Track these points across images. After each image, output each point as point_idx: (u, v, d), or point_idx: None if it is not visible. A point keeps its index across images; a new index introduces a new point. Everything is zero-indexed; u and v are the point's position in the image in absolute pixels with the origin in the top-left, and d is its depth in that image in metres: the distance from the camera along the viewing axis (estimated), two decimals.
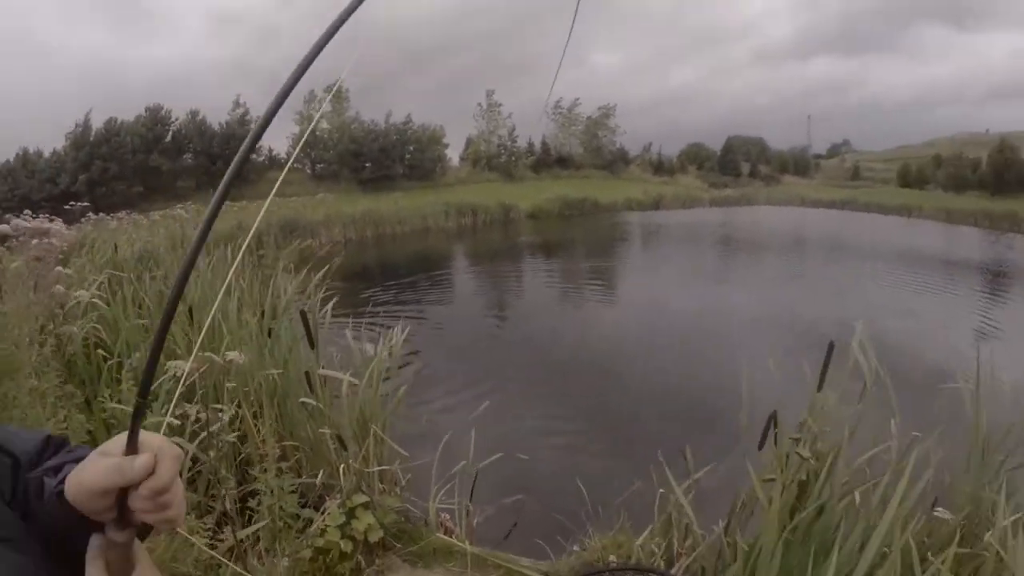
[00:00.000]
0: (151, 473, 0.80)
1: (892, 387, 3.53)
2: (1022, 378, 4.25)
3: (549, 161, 63.84)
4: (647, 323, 12.65)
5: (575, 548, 3.97)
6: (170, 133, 45.38)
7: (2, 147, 48.25)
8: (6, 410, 3.87)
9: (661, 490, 3.64)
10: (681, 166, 78.42)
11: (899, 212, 46.30)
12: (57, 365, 5.13)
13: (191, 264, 0.83)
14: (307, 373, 4.25)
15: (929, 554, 2.74)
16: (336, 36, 0.84)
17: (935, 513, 3.03)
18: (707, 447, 3.99)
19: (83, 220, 14.90)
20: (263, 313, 5.37)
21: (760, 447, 3.23)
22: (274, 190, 0.98)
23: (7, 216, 7.30)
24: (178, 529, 3.07)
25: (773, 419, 3.20)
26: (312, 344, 4.26)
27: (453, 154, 61.57)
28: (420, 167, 51.84)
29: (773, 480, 3.01)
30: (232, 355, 3.77)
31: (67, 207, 14.95)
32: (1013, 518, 2.82)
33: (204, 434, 3.67)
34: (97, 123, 42.02)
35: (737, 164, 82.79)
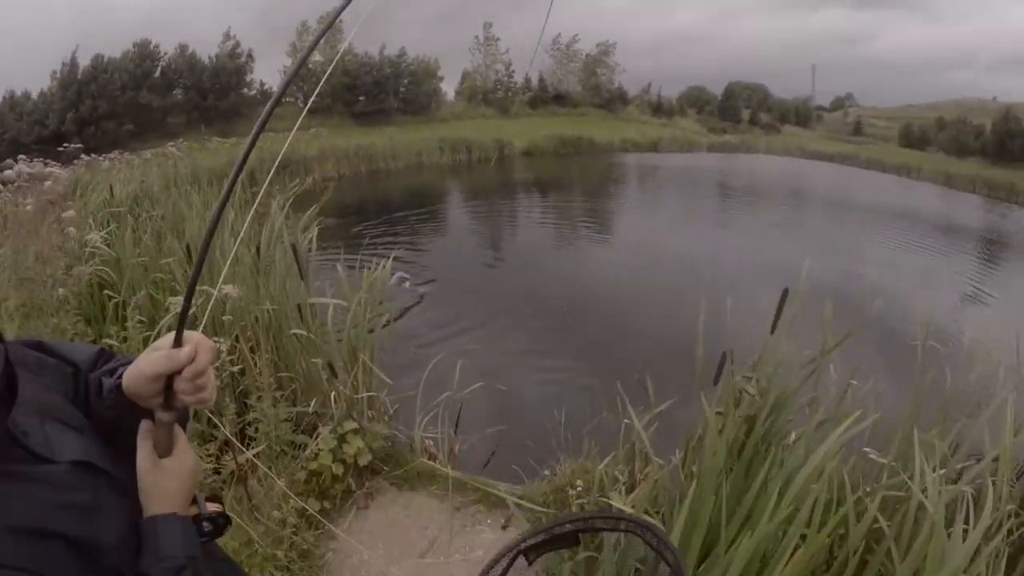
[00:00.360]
0: (192, 360, 1.09)
1: (867, 341, 3.81)
2: (998, 339, 4.47)
3: (546, 98, 62.98)
4: (638, 265, 12.93)
5: (546, 473, 4.31)
6: (159, 69, 44.22)
7: None
8: None
9: (626, 421, 3.93)
10: (680, 109, 77.44)
11: (898, 171, 46.14)
12: (75, 304, 5.40)
13: (223, 205, 1.18)
14: (299, 305, 4.50)
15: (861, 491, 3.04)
16: None
17: (865, 451, 3.31)
18: (679, 384, 4.22)
19: (76, 162, 14.95)
20: (258, 249, 5.56)
21: (715, 382, 3.51)
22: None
23: (7, 161, 7.49)
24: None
25: (727, 358, 3.47)
26: (302, 276, 4.49)
27: (448, 88, 60.88)
28: (415, 101, 51.10)
29: (723, 414, 3.32)
30: (227, 289, 4.02)
31: (60, 149, 15.02)
32: (941, 467, 3.11)
33: None
34: (84, 61, 41.02)
35: (738, 110, 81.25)
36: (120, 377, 1.13)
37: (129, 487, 1.11)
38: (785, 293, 3.44)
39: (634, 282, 11.55)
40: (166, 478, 1.13)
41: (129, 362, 1.16)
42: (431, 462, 4.32)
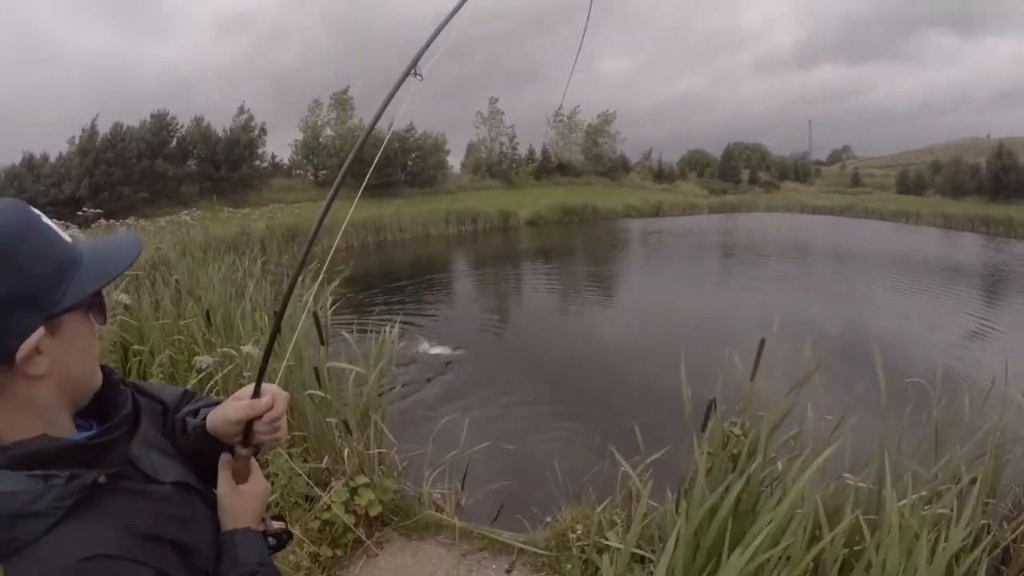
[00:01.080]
0: (271, 408, 1.38)
1: (860, 378, 4.04)
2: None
3: (550, 168, 64.27)
4: (637, 325, 13.13)
5: (548, 520, 4.50)
6: (175, 139, 45.68)
7: (8, 150, 48.72)
8: None
9: (623, 468, 4.13)
10: (681, 173, 78.94)
11: (897, 218, 46.71)
12: (102, 360, 5.63)
13: (297, 275, 1.53)
14: (315, 368, 4.76)
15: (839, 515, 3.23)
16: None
17: (843, 477, 3.51)
18: (674, 431, 4.39)
19: (94, 225, 15.39)
20: (275, 313, 5.75)
21: (703, 429, 3.72)
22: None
23: None
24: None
25: (712, 405, 3.69)
26: (323, 341, 4.75)
27: (455, 161, 62.12)
28: (422, 174, 52.42)
29: (711, 453, 3.53)
30: (247, 348, 4.28)
31: (79, 213, 15.42)
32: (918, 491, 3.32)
33: None
34: (103, 128, 42.32)
35: (737, 171, 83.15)
36: (204, 418, 1.41)
37: (213, 504, 1.37)
38: (762, 343, 3.66)
39: (632, 341, 11.76)
40: (244, 500, 1.39)
41: (210, 403, 1.45)
42: (438, 513, 4.51)
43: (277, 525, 1.47)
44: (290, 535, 1.51)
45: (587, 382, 9.24)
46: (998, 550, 3.49)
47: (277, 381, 1.50)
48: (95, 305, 1.11)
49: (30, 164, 41.04)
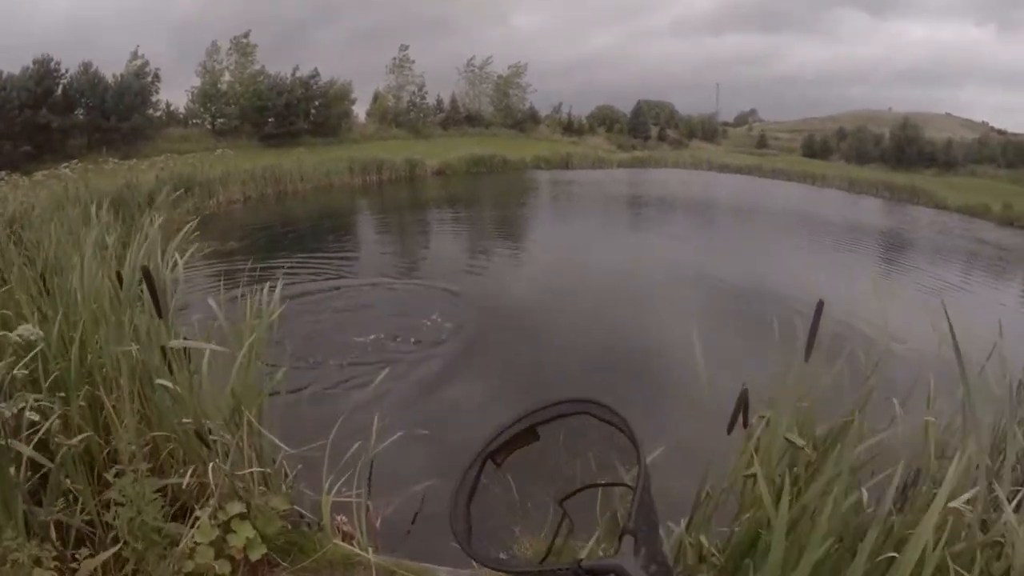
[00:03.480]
0: None
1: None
2: None
3: (458, 119, 62.95)
4: (561, 280, 12.22)
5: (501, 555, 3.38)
6: (60, 87, 41.32)
7: None
8: None
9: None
10: (590, 127, 78.52)
11: (804, 180, 47.97)
12: None
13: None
14: (162, 348, 3.48)
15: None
16: None
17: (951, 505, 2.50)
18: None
19: None
20: (119, 276, 4.32)
21: (729, 431, 2.69)
22: None
23: None
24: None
25: (744, 399, 2.66)
26: (159, 312, 3.46)
27: (360, 110, 60.08)
28: (325, 123, 49.92)
29: (753, 475, 2.48)
30: (24, 330, 3.01)
31: None
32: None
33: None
34: None
35: (646, 127, 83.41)
36: None
37: None
38: (819, 307, 2.64)
39: (558, 299, 10.85)
40: None
41: None
42: (346, 543, 3.34)
43: None
44: None
45: (516, 347, 8.22)
46: None
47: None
48: None
49: None
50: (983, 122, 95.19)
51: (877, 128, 76.40)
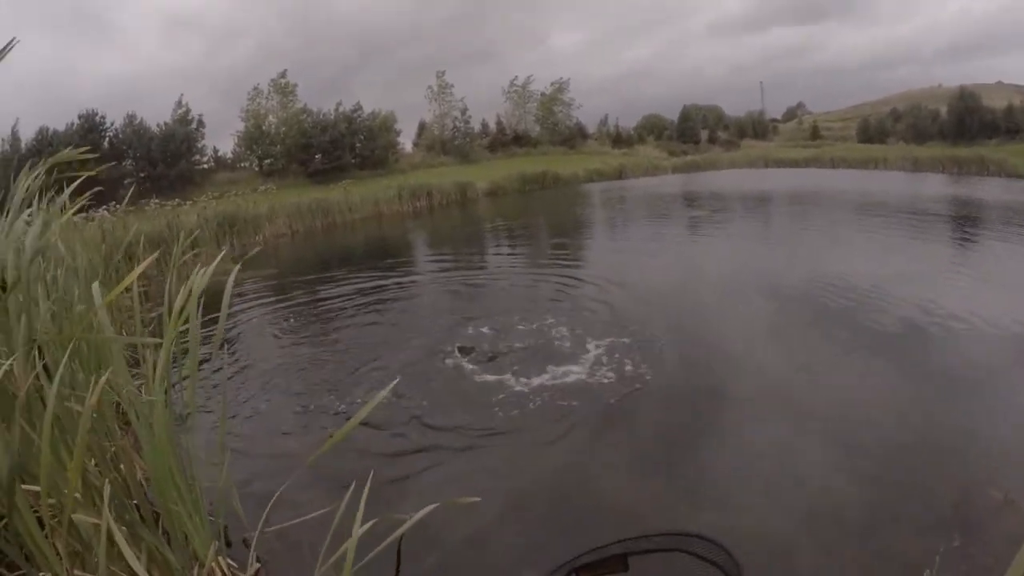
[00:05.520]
0: None
1: None
2: None
3: (505, 140, 62.76)
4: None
5: None
6: (107, 139, 42.51)
7: None
8: None
9: None
10: (639, 137, 78.03)
11: (866, 165, 45.90)
12: None
13: None
14: None
15: None
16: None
17: None
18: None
19: None
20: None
21: None
22: None
23: None
24: None
25: None
26: None
27: (406, 141, 60.16)
28: (372, 156, 50.06)
29: None
30: None
31: None
32: None
33: None
34: (27, 134, 39.13)
35: (695, 131, 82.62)
36: None
37: None
38: None
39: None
40: None
41: None
42: None
43: None
44: None
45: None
46: None
47: None
48: None
49: None
50: None
51: (932, 105, 74.05)
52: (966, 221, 16.89)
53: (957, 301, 8.10)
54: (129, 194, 13.21)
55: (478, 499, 3.35)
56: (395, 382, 3.61)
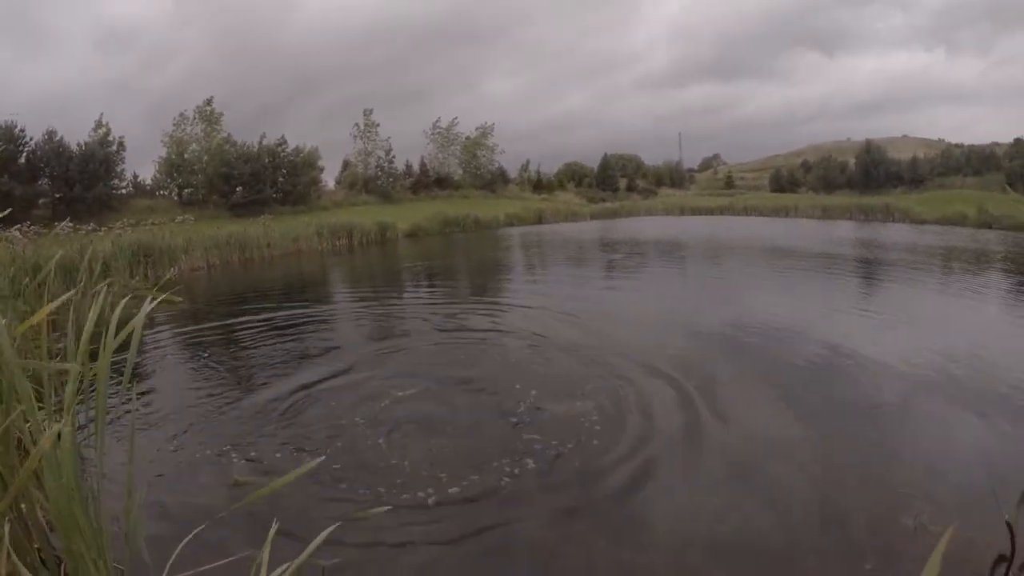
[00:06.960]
0: None
1: None
2: None
3: (428, 182, 63.28)
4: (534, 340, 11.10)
5: None
6: (24, 155, 41.05)
7: None
8: None
9: None
10: (560, 183, 79.58)
11: (778, 213, 48.48)
12: None
13: None
14: None
15: None
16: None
17: None
18: None
19: None
20: None
21: None
22: None
23: None
24: None
25: None
26: None
27: (329, 178, 60.12)
28: (294, 191, 49.94)
29: None
30: None
31: None
32: None
33: None
34: None
35: (615, 179, 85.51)
36: None
37: None
38: None
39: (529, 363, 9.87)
40: None
41: None
42: None
43: None
44: None
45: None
46: None
47: None
48: None
49: None
50: (940, 139, 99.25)
51: (840, 157, 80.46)
52: (872, 263, 18.07)
53: (865, 338, 8.74)
54: (43, 215, 13.02)
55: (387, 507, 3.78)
56: (319, 460, 3.74)
